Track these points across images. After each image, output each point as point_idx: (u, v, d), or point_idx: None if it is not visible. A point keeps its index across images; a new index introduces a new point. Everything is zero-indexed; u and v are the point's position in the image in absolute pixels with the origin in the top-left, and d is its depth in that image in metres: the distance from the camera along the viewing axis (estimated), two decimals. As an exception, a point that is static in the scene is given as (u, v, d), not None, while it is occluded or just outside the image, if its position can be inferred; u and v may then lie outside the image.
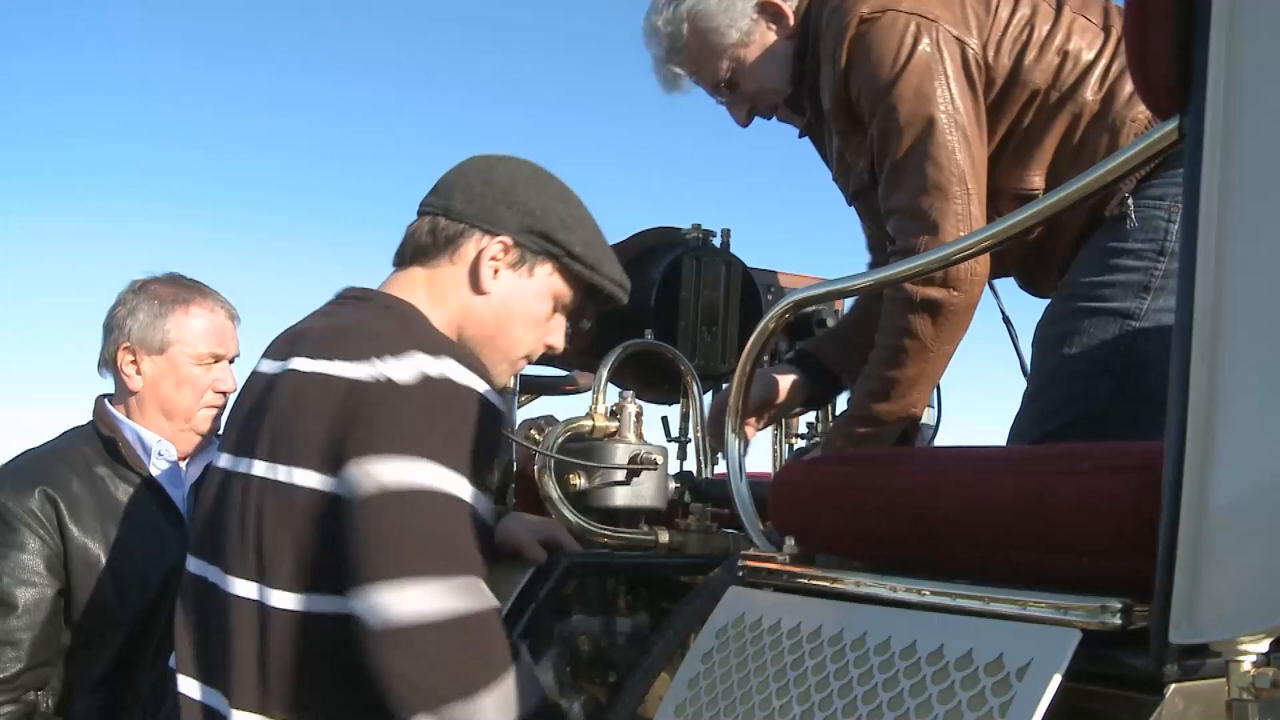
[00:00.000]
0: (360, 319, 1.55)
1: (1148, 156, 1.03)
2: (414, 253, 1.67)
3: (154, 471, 2.19)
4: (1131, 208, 1.81)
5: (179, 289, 2.26)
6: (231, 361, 2.30)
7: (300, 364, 1.48)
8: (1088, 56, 1.89)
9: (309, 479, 1.39)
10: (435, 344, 1.47)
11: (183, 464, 2.24)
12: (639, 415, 2.07)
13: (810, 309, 2.36)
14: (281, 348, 1.58)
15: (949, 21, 1.86)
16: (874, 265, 2.19)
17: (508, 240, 1.64)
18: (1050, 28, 1.90)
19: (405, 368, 1.40)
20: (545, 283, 1.69)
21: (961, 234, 1.80)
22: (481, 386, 1.44)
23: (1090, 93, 1.87)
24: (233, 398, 2.17)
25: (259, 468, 1.44)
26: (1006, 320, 2.29)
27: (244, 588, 1.42)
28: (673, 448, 2.31)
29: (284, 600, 1.39)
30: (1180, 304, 0.89)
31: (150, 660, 2.09)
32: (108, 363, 2.23)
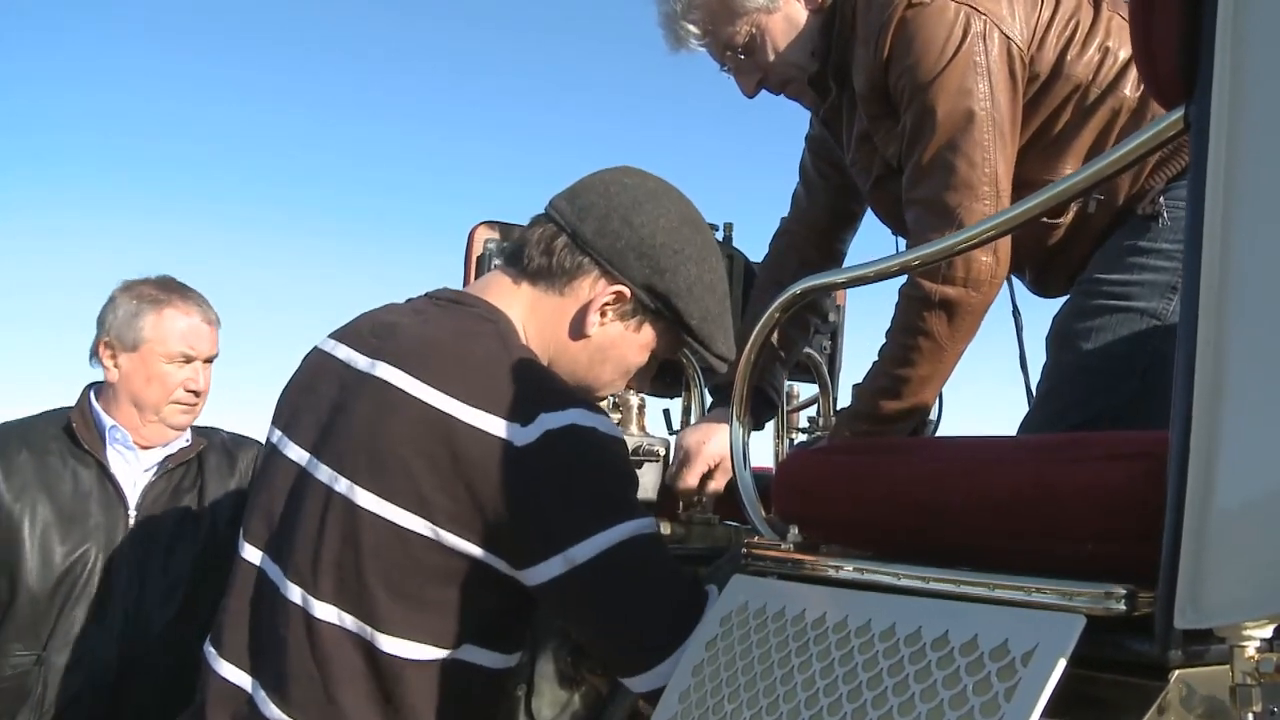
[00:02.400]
0: (459, 331, 1.50)
1: (1155, 145, 1.04)
2: (527, 266, 1.59)
3: (109, 455, 2.33)
4: (1164, 206, 1.80)
5: (161, 290, 2.41)
6: (208, 362, 2.44)
7: (401, 380, 1.43)
8: (1125, 54, 1.86)
9: (438, 534, 1.38)
10: (550, 386, 1.46)
11: (144, 452, 2.37)
12: (641, 407, 2.08)
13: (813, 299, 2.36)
14: (367, 340, 1.54)
15: (997, 16, 1.82)
16: None
17: (626, 290, 1.56)
18: (1091, 24, 1.88)
19: (539, 426, 1.37)
20: (650, 339, 1.62)
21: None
22: (598, 421, 1.43)
23: (1129, 89, 1.85)
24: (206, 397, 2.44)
25: (362, 497, 1.40)
26: (1016, 313, 2.27)
27: (323, 609, 1.41)
28: (674, 440, 2.32)
29: (383, 640, 1.40)
30: (1186, 293, 0.90)
31: (47, 635, 2.22)
32: (93, 355, 2.39)
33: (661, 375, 2.40)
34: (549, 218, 1.59)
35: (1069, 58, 1.86)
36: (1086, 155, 1.88)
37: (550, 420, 1.38)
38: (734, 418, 1.53)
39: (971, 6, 1.80)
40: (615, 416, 2.03)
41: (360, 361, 1.51)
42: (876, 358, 1.88)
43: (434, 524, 1.38)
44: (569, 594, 1.40)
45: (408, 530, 1.38)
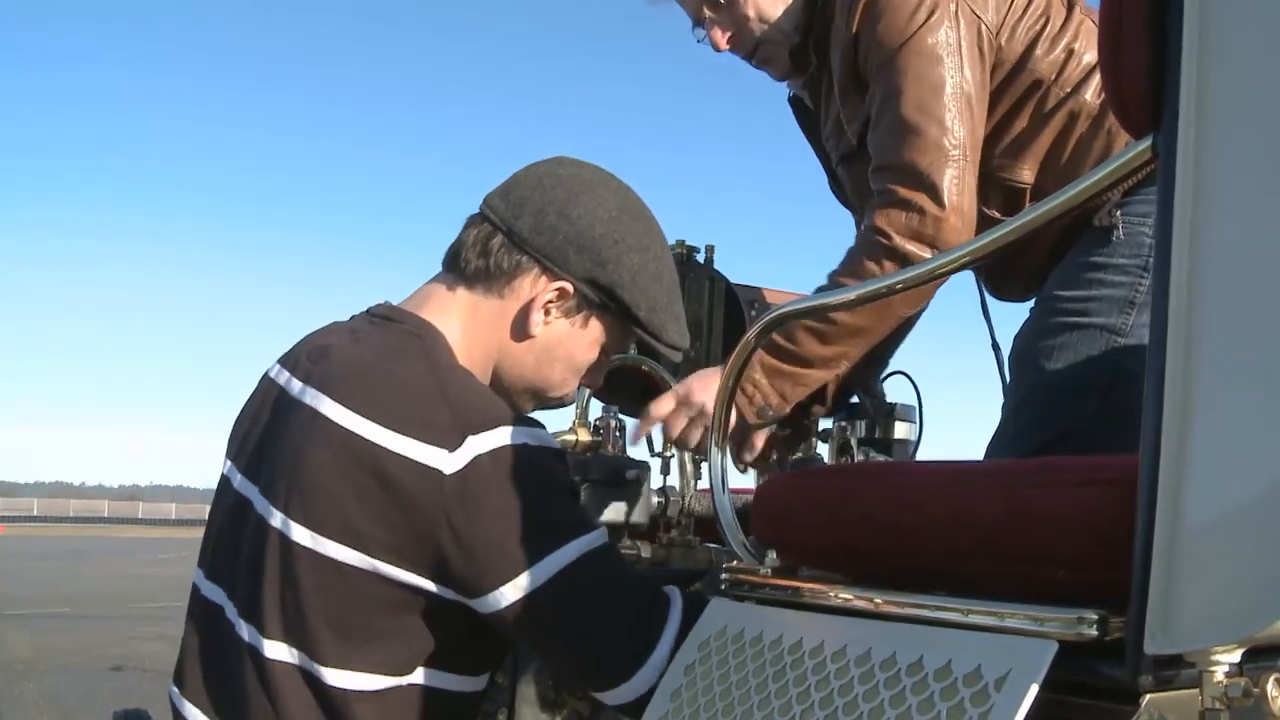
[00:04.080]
0: (385, 352, 1.45)
1: (1124, 174, 1.05)
2: (464, 270, 1.54)
3: None
4: (1120, 220, 1.82)
5: None
6: None
7: (326, 407, 1.38)
8: (1090, 58, 1.89)
9: (376, 566, 1.34)
10: (475, 405, 1.38)
11: None
12: (621, 429, 2.08)
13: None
14: (303, 364, 1.50)
15: None
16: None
17: (568, 286, 1.52)
18: (1062, 24, 1.91)
19: (467, 450, 1.33)
20: (598, 334, 1.59)
21: (956, 199, 1.76)
22: (529, 435, 1.38)
23: (1091, 94, 1.88)
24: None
25: (296, 532, 1.36)
26: (996, 348, 2.27)
27: (272, 648, 1.37)
28: (656, 462, 2.32)
29: (329, 675, 1.36)
30: (1154, 318, 0.91)
31: None
32: None
33: (643, 397, 2.41)
34: (484, 217, 1.55)
35: (1036, 52, 1.89)
36: (1044, 158, 1.90)
37: (478, 443, 1.34)
38: (713, 443, 1.53)
39: None
40: (596, 439, 2.03)
41: (295, 387, 1.47)
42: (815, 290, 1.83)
43: (370, 556, 1.33)
44: (526, 620, 1.36)
45: (344, 564, 1.34)
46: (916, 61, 1.81)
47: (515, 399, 1.60)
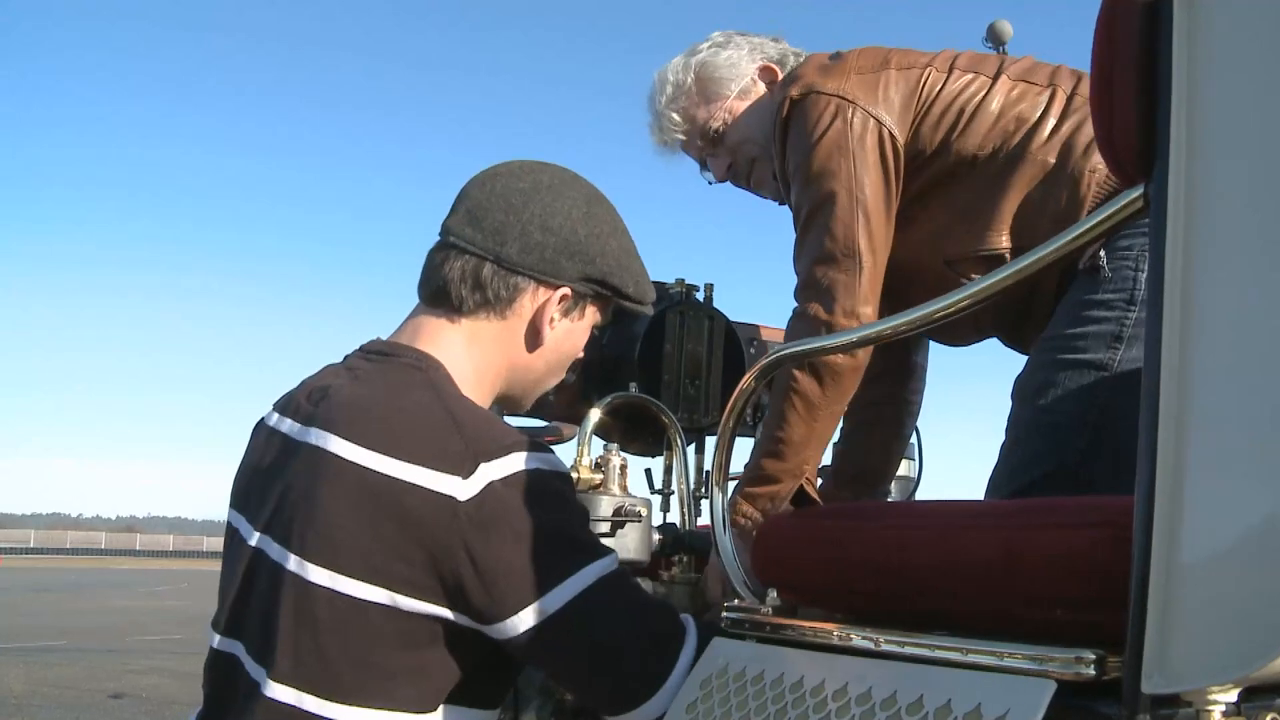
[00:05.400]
0: (389, 385, 1.46)
1: (1116, 221, 1.07)
2: (461, 306, 1.54)
3: None
4: (1104, 259, 1.85)
5: None
6: None
7: (335, 445, 1.38)
8: (1033, 116, 1.96)
9: (396, 600, 1.33)
10: (486, 432, 1.39)
11: None
12: (623, 467, 2.09)
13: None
14: (303, 408, 1.49)
15: (867, 101, 1.98)
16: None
17: (568, 292, 1.57)
18: (984, 96, 1.99)
19: (481, 477, 1.34)
20: (592, 319, 1.66)
21: (847, 304, 1.92)
22: (540, 460, 1.39)
23: (1040, 150, 1.94)
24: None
25: (314, 573, 1.35)
26: None
27: (283, 692, 1.35)
28: (657, 500, 2.33)
29: (347, 714, 1.35)
30: (1148, 363, 0.92)
31: None
32: None
33: (643, 434, 2.42)
34: (459, 250, 1.54)
35: (958, 132, 1.99)
36: (1017, 218, 1.95)
37: (491, 470, 1.34)
38: (713, 483, 1.54)
39: (840, 96, 1.99)
40: (597, 477, 2.04)
41: (297, 431, 1.47)
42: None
43: (391, 591, 1.33)
44: (545, 645, 1.37)
45: (364, 601, 1.34)
46: (813, 177, 1.98)
47: (520, 403, 1.68)
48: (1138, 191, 1.00)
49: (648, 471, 2.42)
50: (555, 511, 1.39)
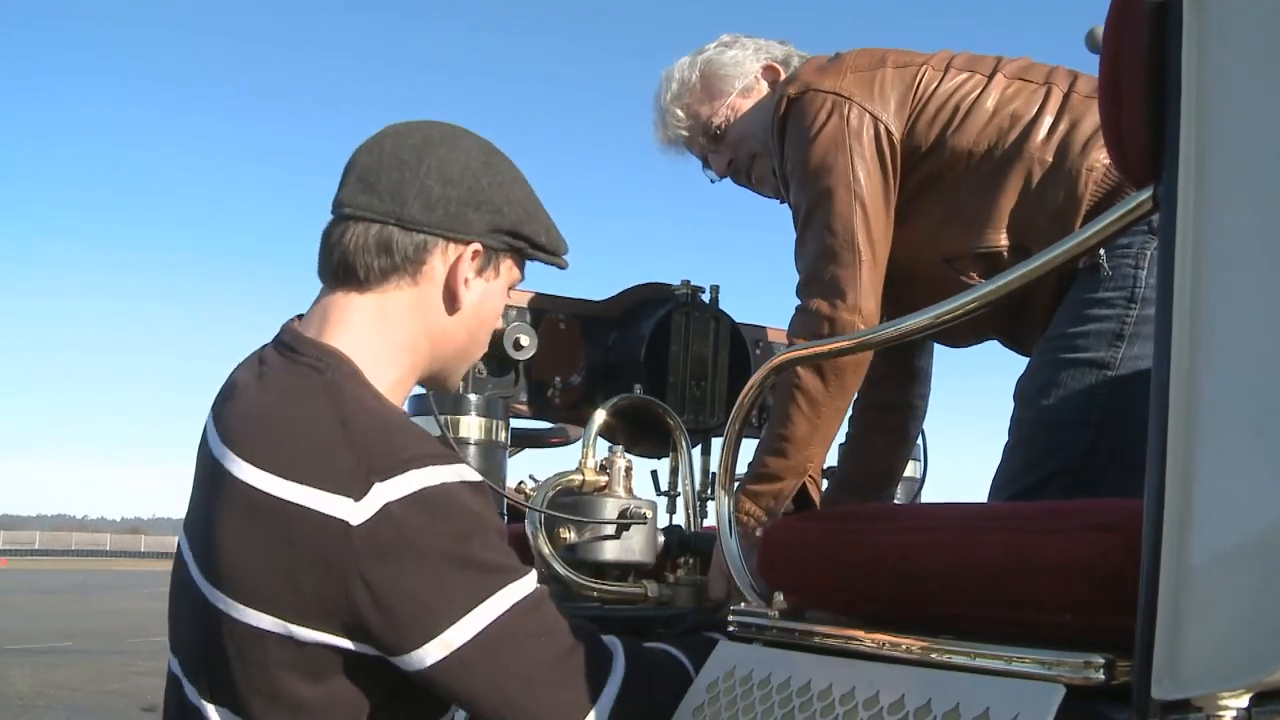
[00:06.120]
0: (285, 391, 1.35)
1: (1126, 222, 1.07)
2: (364, 276, 1.41)
3: None
4: (1104, 259, 1.85)
5: None
6: None
7: (229, 462, 1.29)
8: (1029, 114, 1.97)
9: (289, 629, 1.24)
10: (382, 446, 1.27)
11: None
12: (628, 469, 2.09)
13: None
14: (219, 408, 1.40)
15: (863, 98, 2.00)
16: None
17: (479, 247, 1.44)
18: (980, 94, 2.00)
19: (375, 499, 1.22)
20: (509, 275, 1.52)
21: (851, 299, 1.93)
22: (444, 473, 1.27)
23: (1037, 147, 1.95)
24: None
25: (217, 597, 1.28)
26: None
27: (212, 713, 1.31)
28: (662, 501, 2.33)
29: None
30: (1157, 365, 0.92)
31: None
32: None
33: (648, 435, 2.42)
34: (357, 219, 1.41)
35: (953, 129, 2.00)
36: (1014, 214, 1.95)
37: (386, 490, 1.23)
38: (719, 486, 1.54)
39: (836, 93, 2.00)
40: (602, 479, 2.04)
41: (215, 442, 1.35)
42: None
43: (282, 620, 1.24)
44: (456, 679, 1.27)
45: (260, 630, 1.25)
46: (811, 174, 1.99)
47: (448, 382, 1.56)
48: (1147, 193, 0.99)
49: (654, 473, 2.42)
50: (460, 531, 1.27)
